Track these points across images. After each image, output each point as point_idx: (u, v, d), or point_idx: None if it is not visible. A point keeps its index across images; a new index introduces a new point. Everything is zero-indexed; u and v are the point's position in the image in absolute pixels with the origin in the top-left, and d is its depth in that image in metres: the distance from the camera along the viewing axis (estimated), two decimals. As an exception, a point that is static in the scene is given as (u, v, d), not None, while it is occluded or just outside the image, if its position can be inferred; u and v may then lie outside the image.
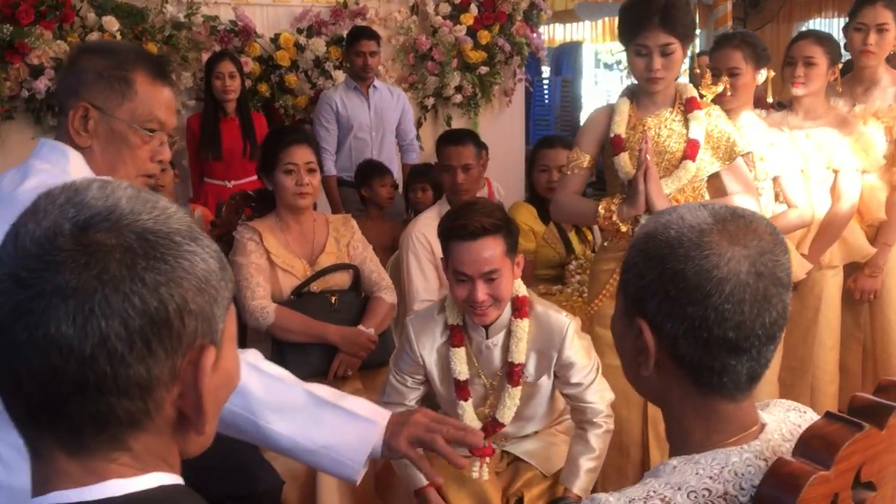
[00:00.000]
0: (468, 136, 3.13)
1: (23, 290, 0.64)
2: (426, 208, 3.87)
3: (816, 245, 2.96)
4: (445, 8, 5.07)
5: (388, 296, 2.79)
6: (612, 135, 2.44)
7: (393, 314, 2.90)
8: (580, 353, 2.14)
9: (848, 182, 2.90)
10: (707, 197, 2.46)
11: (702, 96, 2.55)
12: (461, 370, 2.12)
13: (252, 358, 1.48)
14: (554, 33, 10.03)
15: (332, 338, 2.60)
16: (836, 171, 2.93)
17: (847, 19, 3.11)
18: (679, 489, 0.91)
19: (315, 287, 2.68)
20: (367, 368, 2.72)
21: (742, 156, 2.43)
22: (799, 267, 2.86)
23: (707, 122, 2.40)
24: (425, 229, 3.13)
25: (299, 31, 4.71)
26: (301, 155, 2.62)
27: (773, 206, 2.82)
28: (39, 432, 0.67)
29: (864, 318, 3.22)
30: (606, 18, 9.72)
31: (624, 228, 2.39)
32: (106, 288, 0.64)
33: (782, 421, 1.02)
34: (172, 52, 4.30)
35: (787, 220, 2.74)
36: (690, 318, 0.93)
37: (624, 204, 2.35)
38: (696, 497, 0.90)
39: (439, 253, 3.10)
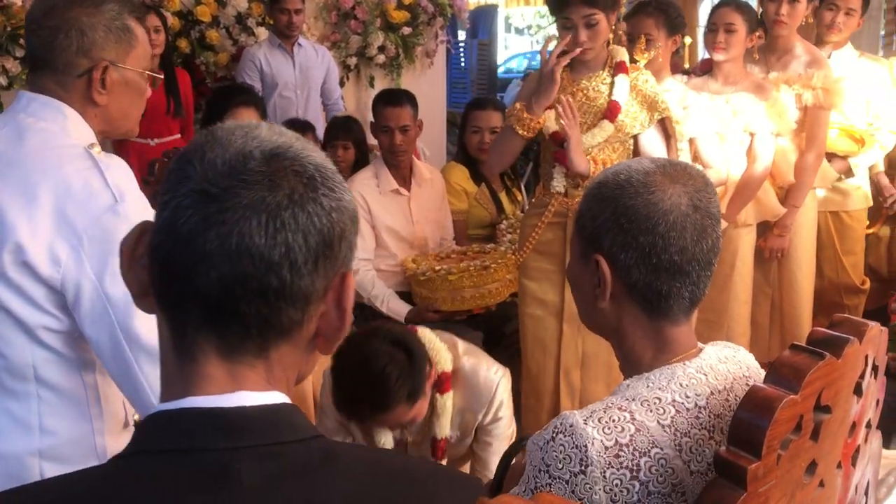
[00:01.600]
0: (406, 98, 3.15)
1: (214, 202, 0.70)
2: (347, 167, 3.86)
3: (733, 204, 3.14)
4: (368, -34, 5.03)
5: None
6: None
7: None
8: (507, 413, 2.10)
9: (763, 145, 3.08)
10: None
11: (634, 61, 2.66)
12: (386, 440, 2.02)
13: None
14: (468, -5, 10.04)
15: None
16: (752, 135, 3.10)
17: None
18: (633, 400, 1.05)
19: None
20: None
21: (663, 119, 2.54)
22: None
23: (635, 84, 2.50)
24: (361, 188, 3.16)
25: (220, -14, 4.58)
26: (247, 116, 2.58)
27: (690, 167, 2.98)
28: (207, 334, 0.73)
29: (773, 275, 3.43)
30: (520, -18, 9.80)
31: (529, 124, 2.45)
32: (294, 206, 0.72)
33: (717, 349, 1.17)
34: (87, 5, 4.10)
35: (706, 178, 2.90)
36: (641, 245, 1.09)
37: (537, 95, 2.43)
38: (648, 404, 1.04)
39: (376, 212, 3.17)
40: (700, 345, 1.17)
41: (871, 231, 3.75)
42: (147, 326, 1.27)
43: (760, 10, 3.22)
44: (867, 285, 3.70)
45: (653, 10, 2.90)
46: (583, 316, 1.23)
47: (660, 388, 1.06)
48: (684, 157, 2.94)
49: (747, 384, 1.12)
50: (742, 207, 3.14)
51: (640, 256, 1.09)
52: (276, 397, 0.76)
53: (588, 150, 2.45)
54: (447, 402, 2.03)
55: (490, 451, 2.09)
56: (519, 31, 16.72)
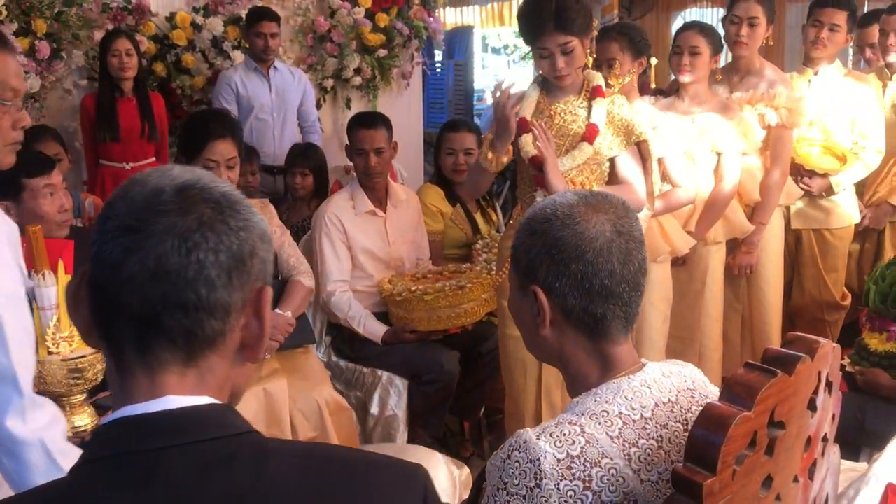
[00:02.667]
0: (380, 120, 3.18)
1: (134, 233, 0.81)
2: (306, 193, 3.88)
3: (702, 222, 3.19)
4: (343, -10, 5.08)
5: (307, 280, 2.83)
6: (518, 117, 2.53)
7: (310, 298, 2.95)
8: None
9: (729, 164, 3.14)
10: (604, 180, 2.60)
11: (609, 86, 2.71)
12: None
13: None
14: (445, 17, 10.14)
15: None
16: (718, 154, 3.16)
17: (720, 10, 3.37)
18: (583, 415, 1.11)
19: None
20: (285, 350, 2.76)
21: (639, 143, 2.56)
22: (683, 243, 3.08)
23: (610, 109, 2.53)
24: (337, 210, 3.18)
25: (195, 10, 4.61)
26: (223, 150, 2.55)
27: (659, 185, 3.02)
28: (138, 350, 0.83)
29: (743, 291, 3.49)
30: (495, 4, 9.92)
31: (494, 161, 2.50)
32: (204, 228, 0.82)
33: (661, 364, 1.23)
34: (63, 30, 4.12)
35: (674, 197, 2.95)
36: (573, 273, 1.17)
37: (495, 138, 2.48)
38: (596, 418, 1.10)
39: (352, 234, 3.19)
40: (643, 360, 1.22)
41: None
42: None
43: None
44: (848, 301, 3.74)
45: (616, 34, 2.95)
46: (528, 346, 1.30)
47: (606, 402, 1.12)
48: (654, 176, 2.99)
49: (692, 396, 1.18)
50: (711, 225, 3.19)
51: (574, 283, 1.17)
52: (204, 400, 0.83)
53: (567, 173, 2.48)
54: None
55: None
56: (496, 51, 16.86)
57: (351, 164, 3.37)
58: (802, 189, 3.50)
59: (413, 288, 3.03)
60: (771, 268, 3.42)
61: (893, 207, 3.69)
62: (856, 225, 3.73)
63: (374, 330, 3.11)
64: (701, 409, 1.02)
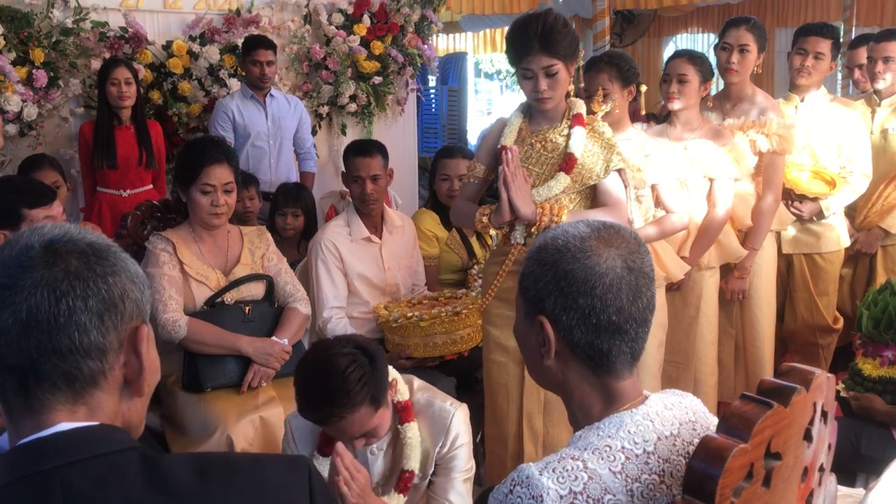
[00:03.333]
0: (376, 148, 3.21)
1: (6, 290, 0.87)
2: (296, 234, 3.82)
3: (695, 248, 3.22)
4: (339, 18, 5.13)
5: (303, 307, 2.83)
6: (499, 146, 2.55)
7: (307, 324, 2.95)
8: (464, 445, 2.09)
9: (722, 190, 3.17)
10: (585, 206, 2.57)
11: (593, 113, 2.73)
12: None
13: None
14: (438, 43, 10.24)
15: (245, 349, 2.62)
16: (711, 181, 3.20)
17: (710, 35, 3.42)
18: (585, 449, 1.11)
19: (229, 298, 2.69)
20: (281, 377, 2.76)
21: (617, 171, 2.54)
22: (678, 269, 3.11)
23: (591, 136, 2.52)
24: (333, 237, 3.20)
25: (192, 39, 4.65)
26: (219, 175, 2.60)
27: (653, 212, 3.05)
28: (23, 396, 0.89)
29: (736, 316, 3.52)
30: (487, 30, 10.03)
31: (493, 232, 2.52)
32: (71, 277, 0.88)
33: (663, 396, 1.23)
34: (60, 59, 4.16)
35: (668, 223, 2.97)
36: (581, 307, 1.16)
37: (493, 212, 2.49)
38: (599, 453, 1.10)
39: (348, 260, 3.20)
40: (645, 392, 1.23)
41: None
42: None
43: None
44: (840, 324, 3.77)
45: (605, 65, 2.97)
46: (531, 372, 1.30)
47: (609, 437, 1.12)
48: (647, 203, 3.02)
49: (694, 428, 1.18)
50: (704, 251, 3.22)
51: (581, 318, 1.16)
52: (94, 423, 0.90)
53: (544, 203, 2.46)
54: (414, 431, 2.06)
55: (449, 484, 2.09)
56: (489, 76, 17.01)
57: (347, 189, 3.39)
58: (793, 213, 3.53)
59: (409, 314, 3.04)
60: (764, 293, 3.45)
61: (885, 232, 3.72)
62: (847, 249, 3.77)
63: (371, 357, 3.10)
64: None
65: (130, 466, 0.87)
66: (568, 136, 2.50)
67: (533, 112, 2.56)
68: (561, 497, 1.05)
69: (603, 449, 1.10)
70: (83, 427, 0.88)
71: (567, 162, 2.48)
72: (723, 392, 3.50)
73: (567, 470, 1.07)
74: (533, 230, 2.47)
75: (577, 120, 2.51)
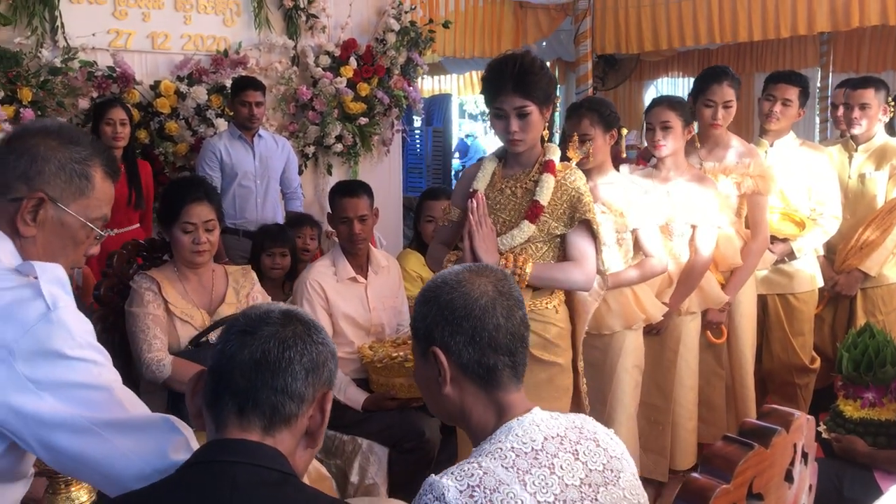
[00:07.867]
0: (362, 188, 3.23)
1: (248, 335, 1.19)
2: (282, 273, 3.81)
3: (677, 294, 3.25)
4: (326, 60, 5.20)
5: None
6: (471, 190, 2.54)
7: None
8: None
9: (704, 237, 3.21)
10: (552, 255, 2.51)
11: (568, 159, 2.74)
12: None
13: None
14: (422, 84, 10.37)
15: None
16: (693, 227, 3.24)
17: (690, 79, 3.50)
18: (480, 455, 1.28)
19: (213, 337, 2.68)
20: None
21: (585, 222, 2.45)
22: (656, 310, 3.12)
23: (563, 183, 2.46)
24: (318, 277, 3.20)
25: (180, 79, 4.69)
26: (200, 213, 2.62)
27: (631, 254, 3.07)
28: (236, 415, 1.17)
29: (725, 357, 3.55)
30: (472, 72, 10.17)
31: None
32: (296, 337, 1.20)
33: (550, 412, 1.38)
34: (48, 98, 4.17)
35: (648, 266, 3.00)
36: (466, 330, 1.34)
37: (458, 261, 2.45)
38: (491, 455, 1.26)
39: (333, 300, 3.20)
40: (534, 406, 1.37)
41: (814, 312, 3.88)
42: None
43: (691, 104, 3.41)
44: (817, 364, 3.80)
45: (586, 110, 3.00)
46: (432, 408, 1.45)
47: (499, 441, 1.28)
48: (626, 245, 3.04)
49: (580, 432, 1.33)
50: (686, 296, 3.25)
51: (467, 340, 1.34)
52: (270, 445, 1.16)
53: (509, 252, 2.43)
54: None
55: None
56: (473, 117, 17.23)
57: (333, 230, 3.40)
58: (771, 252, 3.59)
59: (394, 354, 3.04)
60: (747, 330, 3.49)
61: (864, 274, 3.77)
62: (828, 291, 3.81)
63: (355, 397, 3.10)
64: (590, 442, 1.30)
65: (288, 482, 1.13)
66: (536, 183, 2.47)
67: (508, 156, 2.54)
68: (461, 491, 1.18)
69: (495, 451, 1.26)
70: (261, 444, 1.15)
71: (532, 210, 2.43)
72: (714, 433, 3.49)
73: (464, 470, 1.22)
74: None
75: (547, 167, 2.46)
